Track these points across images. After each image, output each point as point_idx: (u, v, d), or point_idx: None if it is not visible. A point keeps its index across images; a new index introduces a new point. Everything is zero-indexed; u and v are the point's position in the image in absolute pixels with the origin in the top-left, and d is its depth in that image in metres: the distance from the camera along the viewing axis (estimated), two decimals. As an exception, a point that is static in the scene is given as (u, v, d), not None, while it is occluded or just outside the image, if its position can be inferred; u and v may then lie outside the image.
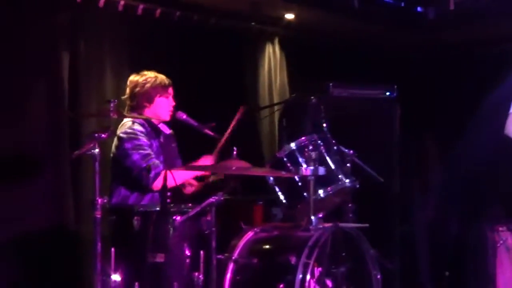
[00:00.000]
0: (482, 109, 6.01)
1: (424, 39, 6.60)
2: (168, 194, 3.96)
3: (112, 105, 4.04)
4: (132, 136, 4.43)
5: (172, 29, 5.61)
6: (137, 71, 4.74)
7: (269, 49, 6.35)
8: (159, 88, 4.60)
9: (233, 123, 4.69)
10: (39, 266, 4.81)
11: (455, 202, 6.27)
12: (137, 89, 4.59)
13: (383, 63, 6.56)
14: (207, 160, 4.58)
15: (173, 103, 4.68)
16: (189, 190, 4.74)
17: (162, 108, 4.62)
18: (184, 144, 4.85)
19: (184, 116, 4.66)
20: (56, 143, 4.96)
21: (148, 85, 4.59)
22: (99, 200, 3.89)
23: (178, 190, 4.58)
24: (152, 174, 4.35)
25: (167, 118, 4.67)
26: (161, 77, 4.64)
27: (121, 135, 4.46)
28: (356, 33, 6.46)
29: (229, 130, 4.69)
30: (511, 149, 4.84)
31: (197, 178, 4.74)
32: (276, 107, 6.14)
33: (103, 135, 3.93)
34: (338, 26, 6.34)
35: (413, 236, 6.31)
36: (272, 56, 6.37)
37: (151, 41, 5.50)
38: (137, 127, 4.48)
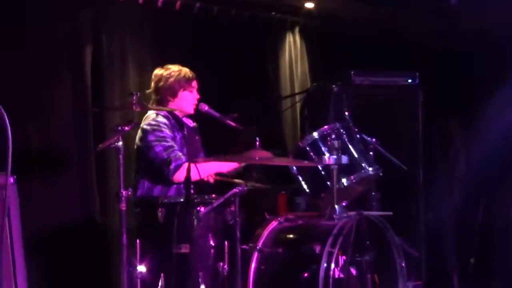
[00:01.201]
0: (505, 94, 5.96)
1: (447, 25, 6.55)
2: (192, 186, 3.98)
3: (134, 98, 4.07)
4: (155, 128, 4.45)
5: (193, 21, 5.62)
6: (159, 64, 4.75)
7: (289, 38, 6.34)
8: (183, 82, 4.61)
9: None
10: (66, 260, 4.86)
11: (481, 189, 6.24)
12: (161, 83, 4.61)
13: (406, 50, 6.51)
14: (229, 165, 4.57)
15: (198, 97, 4.68)
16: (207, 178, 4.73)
17: (186, 101, 4.63)
18: (208, 138, 4.86)
19: (206, 108, 4.67)
20: (81, 138, 5.01)
21: (171, 79, 4.60)
22: (124, 193, 3.93)
23: (203, 183, 4.60)
24: (172, 166, 4.36)
25: (191, 112, 4.68)
26: (185, 71, 4.64)
27: (145, 127, 4.48)
28: (377, 20, 6.42)
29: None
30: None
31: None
32: (298, 97, 6.13)
33: (126, 128, 3.96)
34: (358, 14, 6.31)
35: (438, 224, 6.28)
36: (293, 45, 6.36)
37: (172, 34, 5.52)
38: (161, 119, 4.50)
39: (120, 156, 3.93)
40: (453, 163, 6.60)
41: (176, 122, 4.59)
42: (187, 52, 5.39)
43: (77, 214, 5.00)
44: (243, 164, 4.62)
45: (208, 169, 4.52)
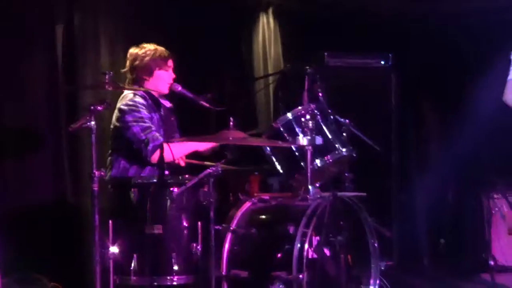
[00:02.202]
0: (480, 78, 5.99)
1: (422, 8, 6.55)
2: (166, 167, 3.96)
3: (107, 77, 4.02)
4: (133, 109, 4.41)
5: (167, 0, 5.56)
6: (132, 43, 4.71)
7: (263, 19, 6.31)
8: (159, 61, 4.58)
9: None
10: (38, 239, 4.82)
11: (452, 170, 6.29)
12: (137, 62, 4.56)
13: (380, 32, 6.52)
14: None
15: (173, 76, 4.65)
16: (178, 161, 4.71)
17: (162, 81, 4.60)
18: (181, 118, 4.83)
19: (180, 88, 4.64)
20: (53, 117, 4.96)
21: (147, 58, 4.56)
22: (96, 173, 3.89)
23: (175, 165, 4.57)
24: (150, 147, 4.34)
25: (166, 91, 4.64)
26: (161, 50, 4.60)
27: (122, 107, 4.44)
28: (351, 1, 6.40)
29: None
30: (508, 117, 4.84)
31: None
32: (271, 78, 6.12)
33: (99, 108, 3.92)
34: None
35: (410, 204, 6.33)
36: (266, 26, 6.33)
37: (145, 13, 5.46)
38: (138, 99, 4.46)
39: (93, 136, 3.89)
40: (426, 145, 6.64)
41: (153, 102, 4.56)
42: (160, 31, 5.34)
43: (49, 194, 4.96)
44: (217, 145, 4.60)
45: (183, 149, 4.50)
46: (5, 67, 4.76)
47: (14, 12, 4.78)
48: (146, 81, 4.57)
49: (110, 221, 4.03)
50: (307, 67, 5.06)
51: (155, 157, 4.34)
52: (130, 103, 4.43)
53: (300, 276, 3.92)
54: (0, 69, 4.72)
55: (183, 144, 4.49)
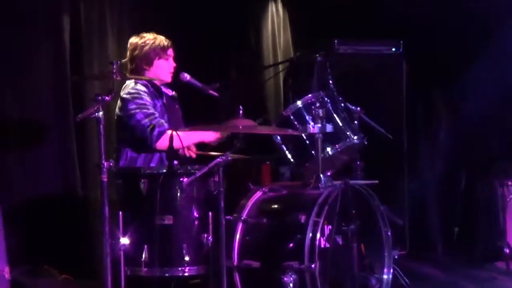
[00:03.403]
0: (489, 62, 5.92)
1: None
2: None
3: (114, 66, 3.97)
4: (135, 96, 4.38)
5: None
6: (139, 32, 4.66)
7: (272, 7, 6.26)
8: (158, 50, 4.53)
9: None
10: (48, 231, 4.81)
11: (464, 158, 6.23)
12: (136, 52, 4.52)
13: (390, 20, 6.44)
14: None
15: (174, 65, 4.60)
16: (189, 153, 4.67)
17: (162, 70, 4.55)
18: (187, 107, 4.79)
19: (188, 78, 4.58)
20: (60, 107, 4.95)
21: (146, 47, 4.51)
22: (105, 164, 3.85)
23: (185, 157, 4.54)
24: (155, 132, 4.30)
25: (169, 80, 4.60)
26: (160, 39, 4.56)
27: (124, 95, 4.41)
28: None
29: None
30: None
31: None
32: (281, 67, 6.07)
33: (106, 98, 3.86)
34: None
35: (422, 193, 6.27)
36: (275, 15, 6.28)
37: (152, 2, 5.42)
38: (140, 87, 4.43)
39: (101, 126, 3.84)
40: (436, 132, 6.57)
41: (155, 90, 4.52)
42: (167, 20, 5.30)
43: (58, 185, 4.95)
44: (225, 135, 4.55)
45: (190, 138, 4.45)
46: (12, 58, 4.73)
47: (20, 3, 4.74)
48: (146, 71, 4.53)
49: (120, 212, 4.00)
50: (317, 55, 5.01)
51: (160, 143, 4.30)
52: (132, 91, 4.40)
53: (312, 265, 3.88)
54: (7, 60, 4.70)
55: (191, 133, 4.44)
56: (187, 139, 4.37)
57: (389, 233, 4.31)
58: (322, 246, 3.99)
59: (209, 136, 4.53)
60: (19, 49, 4.78)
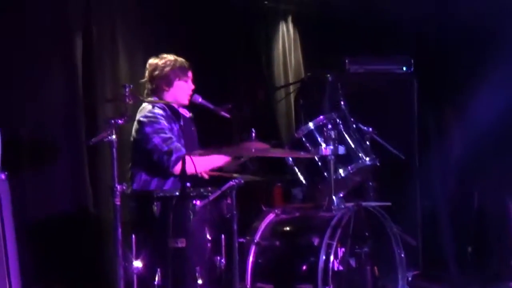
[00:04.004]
0: (500, 79, 5.91)
1: (439, 12, 6.47)
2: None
3: (127, 90, 3.99)
4: (152, 120, 4.38)
5: (185, 10, 5.53)
6: (151, 54, 4.67)
7: (283, 27, 6.27)
8: (179, 72, 4.54)
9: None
10: (60, 253, 4.81)
11: (476, 176, 6.20)
12: (156, 72, 4.52)
13: (401, 37, 6.44)
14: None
15: (192, 87, 4.61)
16: (201, 174, 4.66)
17: (181, 91, 4.55)
18: (201, 129, 4.79)
19: (200, 99, 4.59)
20: (72, 130, 4.94)
21: (167, 68, 4.52)
22: (118, 187, 3.85)
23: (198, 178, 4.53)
24: (173, 158, 4.29)
25: (186, 102, 4.60)
26: (181, 60, 4.56)
27: (141, 119, 4.41)
28: (372, 6, 6.33)
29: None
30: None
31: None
32: (292, 87, 6.07)
33: (119, 121, 3.88)
34: (351, 0, 6.23)
35: (435, 212, 6.24)
36: (286, 34, 6.29)
37: (163, 23, 5.44)
38: (157, 110, 4.43)
39: (114, 150, 3.85)
40: (448, 150, 6.55)
41: (172, 113, 4.52)
42: (179, 41, 5.31)
43: (70, 207, 4.94)
44: (238, 161, 4.53)
45: (204, 164, 4.44)
46: (24, 80, 4.75)
47: (32, 24, 4.76)
48: (166, 92, 4.53)
49: (133, 235, 4.00)
50: (328, 75, 5.02)
51: (177, 168, 4.29)
52: (149, 114, 4.40)
53: (326, 288, 3.87)
54: (19, 81, 4.71)
55: (205, 158, 4.43)
56: (201, 165, 4.35)
57: (402, 255, 4.30)
58: (336, 268, 3.97)
59: (222, 160, 4.52)
60: (32, 70, 4.79)
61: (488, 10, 6.27)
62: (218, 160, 4.50)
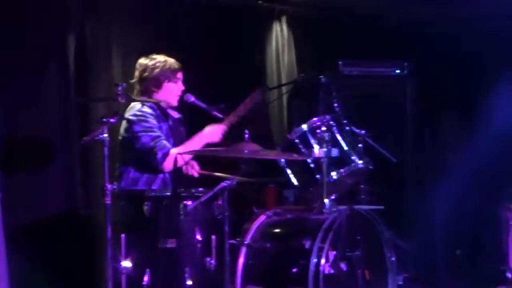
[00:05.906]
0: (499, 86, 5.90)
1: (437, 13, 6.46)
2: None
3: (120, 89, 3.96)
4: (141, 119, 4.35)
5: (179, 9, 5.51)
6: (145, 53, 4.64)
7: (276, 28, 6.25)
8: (168, 73, 4.50)
9: (248, 103, 4.53)
10: (50, 252, 4.78)
11: (470, 181, 6.19)
12: (146, 73, 4.49)
13: (396, 38, 6.43)
14: (214, 131, 4.46)
15: (182, 88, 4.58)
16: (191, 172, 4.64)
17: (171, 93, 4.52)
18: (193, 130, 4.76)
19: (192, 99, 4.57)
20: (65, 129, 4.92)
21: (157, 70, 4.48)
22: (109, 186, 3.83)
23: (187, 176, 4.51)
24: (159, 155, 4.27)
25: (175, 104, 4.57)
26: (171, 61, 4.53)
27: (130, 117, 4.38)
28: (366, 9, 6.33)
29: (243, 108, 4.53)
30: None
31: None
32: (284, 88, 6.04)
33: (112, 120, 3.87)
34: (346, 1, 6.21)
35: (427, 216, 6.23)
36: (280, 35, 6.27)
37: (158, 23, 5.42)
38: (146, 109, 4.40)
39: (106, 148, 3.83)
40: (442, 154, 6.55)
41: (161, 112, 4.50)
42: (173, 41, 5.29)
43: (62, 207, 4.92)
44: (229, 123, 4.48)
45: (194, 146, 4.37)
46: (17, 79, 4.72)
47: (24, 23, 4.75)
48: (155, 93, 4.50)
49: (123, 235, 3.97)
50: (321, 76, 5.00)
51: (166, 165, 4.28)
52: (138, 113, 4.37)
53: (317, 291, 3.85)
54: (13, 82, 4.68)
55: (192, 141, 4.40)
56: (191, 148, 4.32)
57: (393, 259, 4.28)
58: (327, 272, 3.96)
59: (212, 137, 4.47)
60: (25, 70, 4.77)
61: (487, 13, 6.28)
62: (207, 138, 4.43)
